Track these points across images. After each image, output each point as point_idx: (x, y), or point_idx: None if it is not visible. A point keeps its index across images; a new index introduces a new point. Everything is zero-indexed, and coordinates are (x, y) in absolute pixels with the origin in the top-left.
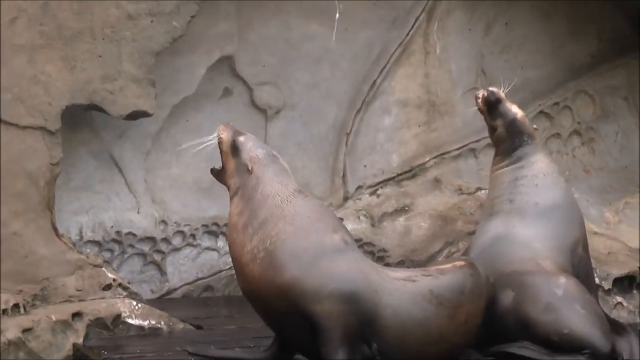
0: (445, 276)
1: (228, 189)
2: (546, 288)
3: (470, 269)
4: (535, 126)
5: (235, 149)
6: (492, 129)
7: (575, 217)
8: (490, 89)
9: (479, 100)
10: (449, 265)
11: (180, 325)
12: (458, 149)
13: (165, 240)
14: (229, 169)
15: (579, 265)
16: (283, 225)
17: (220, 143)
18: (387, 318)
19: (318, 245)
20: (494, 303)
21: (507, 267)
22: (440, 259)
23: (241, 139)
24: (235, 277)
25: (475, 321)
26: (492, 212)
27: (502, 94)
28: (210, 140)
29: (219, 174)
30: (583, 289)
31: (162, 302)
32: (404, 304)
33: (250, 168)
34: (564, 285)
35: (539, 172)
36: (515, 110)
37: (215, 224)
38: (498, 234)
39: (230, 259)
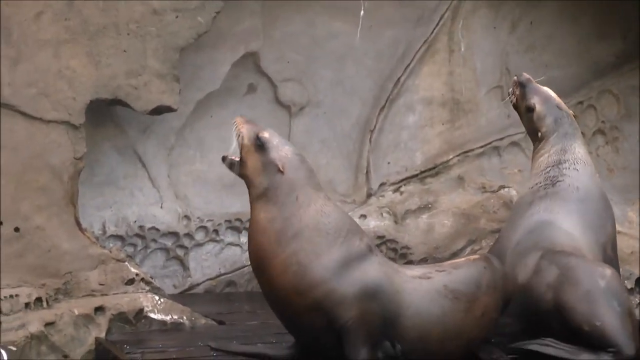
0: (459, 270)
1: (248, 184)
2: (590, 276)
3: (485, 262)
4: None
5: (260, 145)
6: (530, 109)
7: (609, 215)
8: (518, 74)
9: (512, 87)
10: (462, 260)
11: (203, 321)
12: (482, 147)
13: (188, 235)
14: (251, 164)
15: (609, 264)
16: (318, 238)
17: (239, 137)
18: (409, 317)
19: (347, 254)
20: (537, 277)
21: (554, 246)
22: (462, 257)
23: (266, 134)
24: (260, 288)
25: (492, 315)
26: (532, 198)
27: (530, 77)
28: (236, 139)
29: (237, 167)
30: (624, 286)
31: (184, 297)
32: (422, 301)
33: (281, 168)
34: (608, 277)
35: (580, 159)
36: (547, 89)
37: (238, 219)
38: (542, 218)
39: None
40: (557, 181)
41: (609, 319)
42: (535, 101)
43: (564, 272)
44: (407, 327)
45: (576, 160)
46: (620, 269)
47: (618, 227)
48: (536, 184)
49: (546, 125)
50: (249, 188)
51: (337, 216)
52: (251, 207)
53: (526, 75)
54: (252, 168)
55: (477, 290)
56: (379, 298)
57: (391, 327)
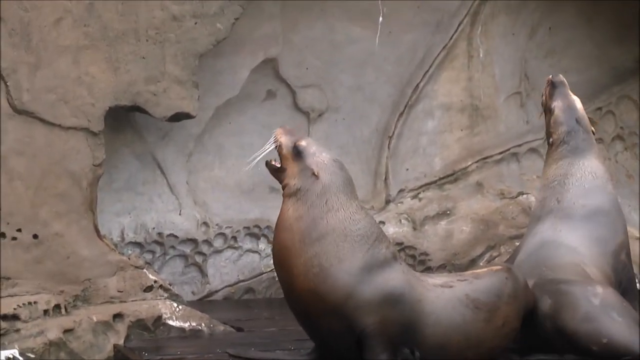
0: (480, 280)
1: (283, 185)
2: (583, 297)
3: (506, 272)
4: (593, 129)
5: (297, 153)
6: (550, 111)
7: (620, 223)
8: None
9: (545, 86)
10: (484, 270)
11: (221, 327)
12: (500, 153)
13: (207, 242)
14: (290, 171)
15: (622, 272)
16: (343, 243)
17: (279, 147)
18: (430, 326)
19: (371, 260)
20: (534, 308)
21: (548, 273)
22: (481, 263)
23: (303, 143)
24: (278, 280)
25: (513, 324)
26: (540, 213)
27: (565, 81)
28: (268, 147)
29: (277, 171)
30: (619, 297)
31: (203, 304)
32: (444, 310)
33: (316, 172)
34: (600, 294)
35: (589, 173)
36: (576, 99)
37: (257, 226)
38: (544, 238)
39: (272, 262)
40: (562, 199)
41: (613, 332)
42: (556, 105)
43: (556, 300)
44: (428, 335)
45: (583, 176)
46: (638, 275)
47: (636, 233)
48: (544, 197)
49: (558, 133)
50: (283, 188)
51: (366, 224)
52: (282, 205)
53: (561, 78)
54: (291, 174)
55: (498, 300)
56: (400, 305)
57: (411, 334)
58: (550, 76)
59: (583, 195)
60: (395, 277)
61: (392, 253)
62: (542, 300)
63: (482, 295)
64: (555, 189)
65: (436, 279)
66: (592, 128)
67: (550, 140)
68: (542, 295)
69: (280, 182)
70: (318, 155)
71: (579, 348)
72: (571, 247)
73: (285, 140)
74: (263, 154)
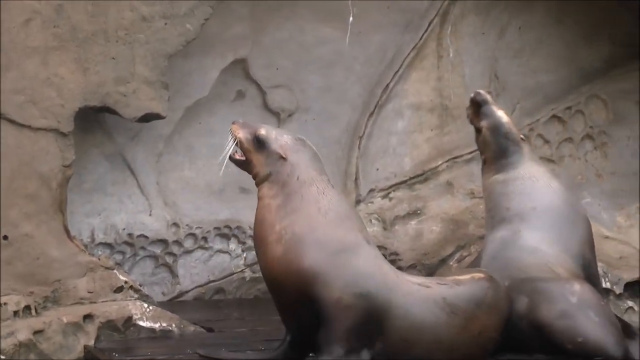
0: (460, 287)
1: (253, 175)
2: (560, 295)
3: (488, 282)
4: (522, 135)
5: (260, 143)
6: (478, 131)
7: (578, 218)
8: (478, 90)
9: (469, 105)
10: (467, 277)
11: (192, 328)
12: (470, 152)
13: (177, 242)
14: (256, 162)
15: (588, 268)
16: (316, 215)
17: (239, 143)
18: (397, 318)
19: (343, 239)
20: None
21: (519, 273)
22: (451, 263)
23: (262, 132)
24: (256, 257)
25: (491, 335)
26: (493, 223)
27: (488, 96)
28: (229, 146)
29: (242, 163)
30: (597, 295)
31: (173, 304)
32: (415, 306)
33: (283, 155)
34: (578, 292)
35: (527, 178)
36: (501, 114)
37: (227, 226)
38: (505, 240)
39: (242, 262)
40: (510, 207)
41: (589, 332)
42: (483, 125)
43: (533, 298)
44: (394, 327)
45: (523, 182)
46: (609, 274)
47: (607, 233)
48: (491, 208)
49: (490, 152)
50: (254, 178)
51: (339, 203)
52: (258, 192)
53: (484, 95)
54: (257, 165)
55: (477, 309)
56: (368, 290)
57: (376, 323)
58: (473, 95)
59: (530, 200)
60: (364, 261)
61: (366, 239)
62: (518, 300)
63: (460, 302)
64: (500, 200)
65: (414, 278)
66: (521, 135)
67: (483, 157)
68: (518, 295)
69: (250, 173)
70: (280, 138)
71: (554, 345)
72: (533, 247)
73: (243, 135)
74: (228, 153)
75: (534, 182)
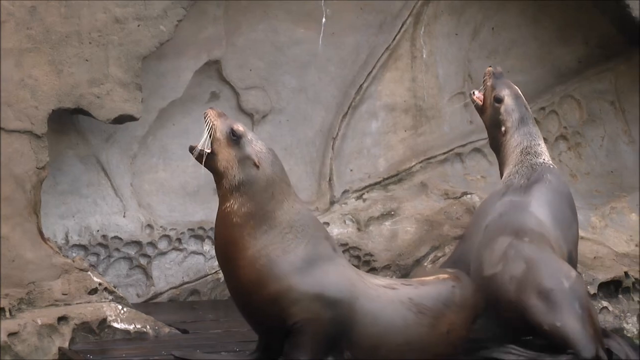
0: (426, 286)
1: (218, 175)
2: (555, 275)
3: (454, 281)
4: None
5: (235, 139)
6: (499, 100)
7: (575, 219)
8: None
9: (485, 77)
10: (431, 277)
11: (166, 329)
12: (444, 153)
13: (152, 244)
14: (223, 157)
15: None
16: (288, 234)
17: (213, 130)
18: (366, 325)
19: (312, 253)
20: (503, 266)
21: (523, 236)
22: (425, 263)
23: (241, 128)
24: (224, 277)
25: (460, 333)
26: (506, 190)
27: None
28: (206, 135)
29: (207, 158)
30: (586, 289)
31: (148, 306)
32: (384, 310)
33: (257, 163)
34: (573, 278)
35: (550, 162)
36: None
37: (202, 228)
38: (515, 204)
39: (216, 264)
40: (531, 177)
41: (569, 320)
42: (506, 94)
43: (530, 267)
44: (363, 335)
45: (547, 162)
46: (584, 274)
47: (582, 233)
48: (510, 177)
49: (512, 120)
50: (219, 180)
51: (305, 215)
52: (221, 198)
53: (500, 69)
54: (225, 161)
55: (444, 307)
56: (337, 302)
57: (346, 333)
58: (491, 67)
59: (551, 179)
60: (333, 273)
61: (332, 247)
62: (516, 262)
63: (427, 301)
64: (522, 170)
65: (380, 280)
66: None
67: (503, 128)
68: (518, 257)
69: (210, 169)
70: (255, 143)
71: (531, 322)
72: (540, 219)
73: (220, 124)
74: (206, 140)
75: (554, 169)
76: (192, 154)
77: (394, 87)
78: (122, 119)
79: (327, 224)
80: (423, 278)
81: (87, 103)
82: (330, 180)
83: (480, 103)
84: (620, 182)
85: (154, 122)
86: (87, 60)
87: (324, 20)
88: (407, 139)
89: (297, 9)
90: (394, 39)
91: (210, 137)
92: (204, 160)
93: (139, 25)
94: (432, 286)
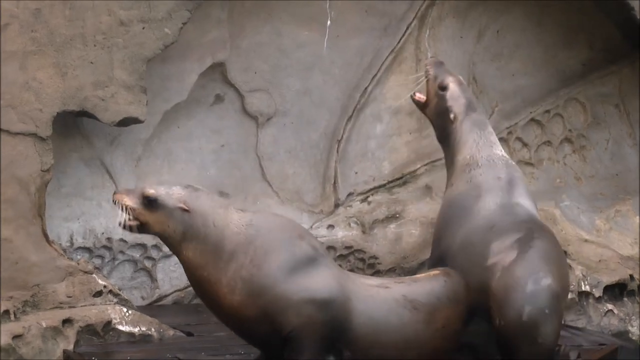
0: (418, 283)
1: (161, 237)
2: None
3: (445, 276)
4: None
5: (152, 204)
6: (444, 88)
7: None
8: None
9: (427, 67)
10: (423, 275)
11: (171, 332)
12: None
13: (156, 246)
14: (154, 222)
15: None
16: (252, 249)
17: (130, 211)
18: (361, 325)
19: (289, 258)
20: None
21: (534, 229)
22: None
23: (150, 191)
24: (213, 313)
25: (454, 326)
26: (479, 192)
27: None
28: (121, 215)
29: (140, 228)
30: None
31: (152, 308)
32: (378, 310)
33: (185, 207)
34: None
35: (502, 151)
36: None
37: None
38: (504, 204)
39: None
40: (500, 174)
41: (512, 320)
42: (450, 80)
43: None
44: (359, 335)
45: (504, 154)
46: (589, 277)
47: (586, 236)
48: (475, 176)
49: (459, 106)
50: (164, 240)
51: (266, 223)
52: (175, 252)
53: (440, 59)
54: (157, 225)
55: (437, 302)
56: (326, 305)
57: (341, 334)
58: (431, 57)
59: (513, 168)
60: (319, 276)
61: (312, 246)
62: (509, 236)
63: (420, 297)
64: (486, 166)
65: (372, 280)
66: None
67: (452, 115)
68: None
69: (153, 234)
70: (171, 192)
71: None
72: (532, 213)
73: (130, 201)
74: (122, 223)
75: (506, 156)
76: (124, 229)
77: (398, 90)
78: (127, 122)
79: (332, 226)
80: (415, 276)
81: (91, 106)
82: (334, 183)
83: (423, 101)
84: (624, 185)
85: (159, 124)
86: (91, 62)
87: (328, 23)
88: (411, 142)
89: (302, 11)
90: (399, 41)
91: (129, 215)
92: (137, 232)
93: (143, 28)
94: (425, 282)
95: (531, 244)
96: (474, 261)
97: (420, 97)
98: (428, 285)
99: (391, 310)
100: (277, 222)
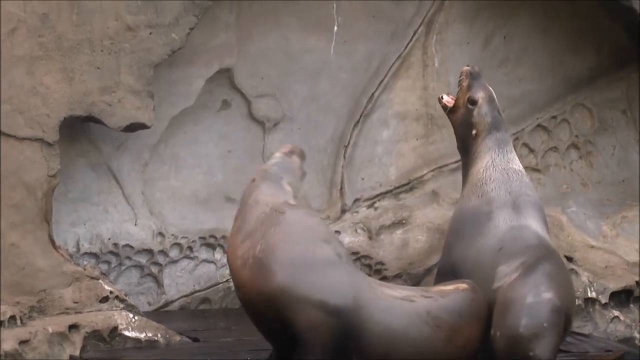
0: (445, 299)
1: None
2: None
3: (472, 293)
4: None
5: None
6: (473, 102)
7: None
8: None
9: (462, 77)
10: (451, 287)
11: (177, 338)
12: (456, 162)
13: (163, 252)
14: None
15: None
16: (272, 232)
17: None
18: (376, 335)
19: (307, 255)
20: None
21: (538, 252)
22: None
23: None
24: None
25: (475, 345)
26: (491, 208)
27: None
28: None
29: None
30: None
31: (159, 314)
32: (397, 322)
33: (253, 179)
34: (551, 296)
35: (519, 165)
36: (491, 88)
37: (213, 236)
38: (514, 225)
39: (227, 272)
40: (512, 189)
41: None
42: (480, 96)
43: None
44: (373, 344)
45: (521, 170)
46: (595, 283)
47: (592, 242)
48: (487, 192)
49: (484, 124)
50: None
51: (296, 216)
52: None
53: (478, 69)
54: None
55: (461, 320)
56: (340, 309)
57: (354, 341)
58: (468, 67)
59: (526, 186)
60: (335, 278)
61: (336, 252)
62: (513, 262)
63: (445, 314)
64: (499, 181)
65: (397, 291)
66: None
67: (474, 132)
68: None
69: None
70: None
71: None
72: (541, 235)
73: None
74: None
75: (524, 173)
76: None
77: (405, 96)
78: (134, 127)
79: (338, 232)
80: (442, 288)
81: (98, 111)
82: (341, 188)
83: (450, 105)
84: (631, 191)
85: (166, 130)
86: (98, 68)
87: (335, 28)
88: (418, 148)
89: (309, 17)
90: (406, 47)
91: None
92: None
93: (150, 33)
94: (452, 298)
95: (536, 265)
96: (482, 285)
97: (449, 100)
98: (455, 302)
99: (411, 324)
100: (307, 220)
